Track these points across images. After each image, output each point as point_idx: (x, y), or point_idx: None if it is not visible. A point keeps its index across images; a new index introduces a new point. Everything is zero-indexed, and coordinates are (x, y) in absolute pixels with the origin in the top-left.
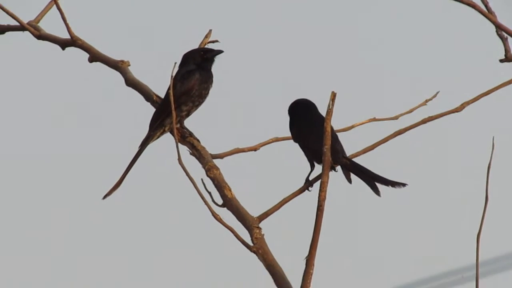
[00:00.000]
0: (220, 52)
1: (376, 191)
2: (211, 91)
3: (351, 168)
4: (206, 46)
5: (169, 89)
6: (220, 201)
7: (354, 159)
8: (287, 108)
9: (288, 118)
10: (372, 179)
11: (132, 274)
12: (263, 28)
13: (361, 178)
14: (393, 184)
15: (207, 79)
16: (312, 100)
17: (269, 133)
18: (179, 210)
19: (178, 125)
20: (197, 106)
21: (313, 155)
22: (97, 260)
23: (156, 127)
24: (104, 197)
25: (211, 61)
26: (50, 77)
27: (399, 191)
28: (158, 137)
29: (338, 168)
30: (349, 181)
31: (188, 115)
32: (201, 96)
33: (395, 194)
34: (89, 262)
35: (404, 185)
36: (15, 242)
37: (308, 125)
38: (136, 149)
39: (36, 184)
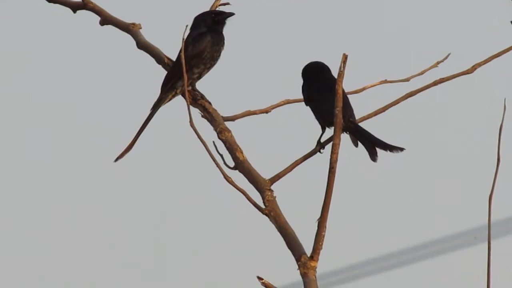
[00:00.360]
0: (231, 14)
1: (373, 157)
2: (222, 53)
3: (354, 131)
4: (217, 9)
5: (180, 51)
6: (231, 163)
7: (366, 121)
8: (301, 71)
9: (301, 81)
10: (371, 143)
11: (144, 236)
12: None
13: (361, 142)
14: (391, 148)
15: (219, 42)
16: (324, 62)
17: (281, 95)
18: (191, 173)
19: (190, 88)
20: (208, 69)
21: (324, 117)
22: (109, 222)
23: (168, 89)
24: (116, 159)
25: (222, 23)
26: (62, 41)
27: (412, 154)
28: (170, 99)
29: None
30: (355, 144)
31: (199, 77)
32: (213, 58)
33: (407, 156)
34: (101, 223)
35: (401, 149)
36: (32, 211)
37: (319, 87)
38: (148, 112)
39: (52, 141)
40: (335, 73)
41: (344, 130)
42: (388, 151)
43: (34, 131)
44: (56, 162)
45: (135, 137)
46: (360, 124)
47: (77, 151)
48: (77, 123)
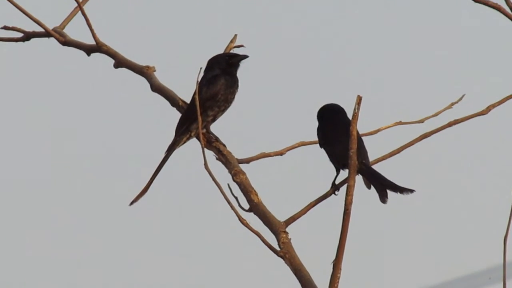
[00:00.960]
0: (245, 57)
1: (383, 199)
2: (236, 95)
3: (366, 173)
4: (231, 51)
5: (194, 94)
6: (246, 206)
7: (381, 162)
8: (315, 113)
9: (316, 123)
10: (382, 186)
11: (159, 278)
12: (290, 32)
13: (372, 184)
14: (401, 190)
15: (233, 84)
16: (339, 104)
17: (296, 138)
18: (206, 216)
19: (204, 130)
20: (223, 111)
21: (338, 159)
22: (126, 265)
23: (182, 132)
24: (131, 203)
25: (236, 66)
26: (76, 84)
27: (429, 194)
28: (184, 142)
29: None
30: (368, 187)
31: (214, 120)
32: (227, 101)
33: (422, 197)
34: (118, 268)
35: (411, 191)
36: (38, 242)
37: (334, 130)
38: (163, 155)
39: (64, 186)
40: (350, 115)
41: (357, 172)
42: (399, 193)
43: (47, 171)
44: (72, 205)
45: (150, 180)
46: (375, 165)
47: (93, 194)
48: (92, 165)
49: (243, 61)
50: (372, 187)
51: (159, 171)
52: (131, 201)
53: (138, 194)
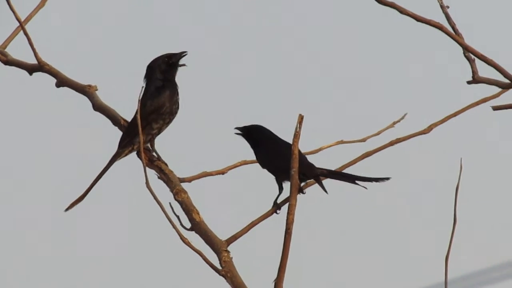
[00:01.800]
0: (184, 53)
1: (362, 186)
2: (180, 102)
3: (331, 175)
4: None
5: (136, 112)
6: (188, 224)
7: (323, 181)
8: (243, 132)
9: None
10: (354, 179)
11: None
12: (232, 43)
13: (344, 181)
14: (376, 179)
15: (175, 93)
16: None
17: (237, 156)
18: (147, 234)
19: (148, 146)
20: (167, 124)
21: (283, 176)
22: (59, 279)
23: (125, 145)
24: (66, 209)
25: (176, 67)
26: (18, 103)
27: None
28: (126, 154)
29: (306, 190)
30: (325, 191)
31: (159, 133)
32: (172, 112)
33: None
34: (51, 281)
35: (387, 179)
36: None
37: (274, 148)
38: (103, 165)
39: (8, 197)
40: (290, 133)
41: (317, 178)
42: (374, 182)
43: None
44: (10, 211)
45: (88, 188)
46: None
47: (30, 205)
48: (34, 180)
49: (181, 60)
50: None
51: (98, 179)
52: (66, 207)
53: (74, 200)
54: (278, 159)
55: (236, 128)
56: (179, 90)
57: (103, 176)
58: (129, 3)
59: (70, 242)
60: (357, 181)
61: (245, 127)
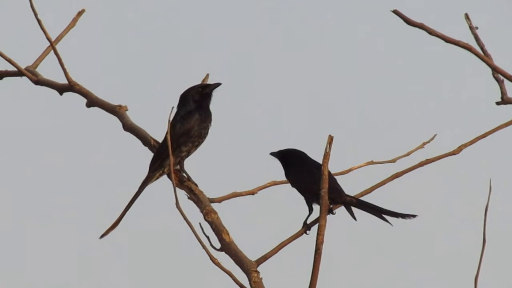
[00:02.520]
0: (218, 85)
1: (387, 221)
2: (210, 130)
3: (358, 205)
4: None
5: (166, 133)
6: (218, 245)
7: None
8: (278, 156)
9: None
10: (381, 213)
11: None
12: (263, 68)
13: (371, 213)
14: (403, 216)
15: (206, 118)
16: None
17: (267, 177)
18: (177, 255)
19: (178, 167)
20: (196, 146)
21: (313, 198)
22: None
23: (155, 168)
24: (101, 236)
25: (209, 96)
26: (48, 123)
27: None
28: (157, 178)
29: (336, 211)
30: (354, 218)
31: (188, 155)
32: (201, 136)
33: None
34: None
35: (414, 216)
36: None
37: (306, 170)
38: (135, 190)
39: (40, 221)
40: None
41: (346, 204)
42: (400, 218)
43: (19, 209)
44: (42, 238)
45: (121, 214)
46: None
47: (65, 228)
48: (65, 202)
49: (215, 90)
50: (365, 216)
51: (130, 205)
52: (101, 234)
53: (109, 227)
54: (309, 180)
55: (271, 153)
56: (213, 117)
57: (135, 201)
58: (161, 24)
59: (100, 265)
60: (384, 216)
61: (281, 151)
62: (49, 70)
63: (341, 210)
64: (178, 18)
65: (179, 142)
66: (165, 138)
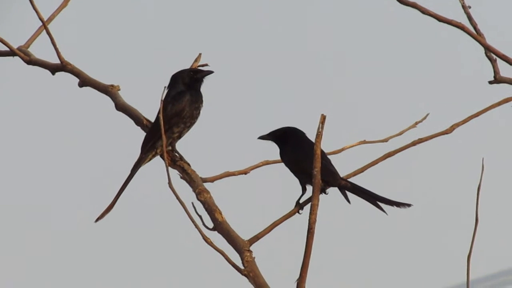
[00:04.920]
0: (209, 72)
1: (382, 210)
2: (202, 111)
3: (353, 190)
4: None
5: (159, 112)
6: (211, 224)
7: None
8: (273, 136)
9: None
10: (375, 199)
11: None
12: (256, 48)
13: (364, 199)
14: (398, 204)
15: (198, 99)
16: (301, 124)
17: (260, 156)
18: (170, 234)
19: (170, 148)
20: (188, 127)
21: (306, 178)
22: (87, 284)
23: (148, 149)
24: (97, 220)
25: (200, 81)
26: (41, 103)
27: (392, 212)
28: (150, 159)
29: (328, 190)
30: (348, 201)
31: (180, 136)
32: (192, 117)
33: (384, 216)
34: (80, 283)
35: (408, 205)
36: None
37: (300, 149)
38: (128, 172)
39: (32, 202)
40: (311, 134)
41: (341, 188)
42: (395, 207)
43: (13, 188)
44: (35, 219)
45: (115, 197)
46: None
47: (60, 212)
48: (57, 186)
49: (207, 77)
50: (356, 200)
51: (124, 188)
52: (96, 217)
53: (104, 211)
54: (302, 159)
55: (260, 137)
56: (204, 99)
57: (129, 183)
58: (156, 3)
59: (96, 244)
60: (378, 203)
61: (279, 129)
62: (42, 50)
63: (334, 190)
64: None
65: (171, 123)
66: (157, 118)
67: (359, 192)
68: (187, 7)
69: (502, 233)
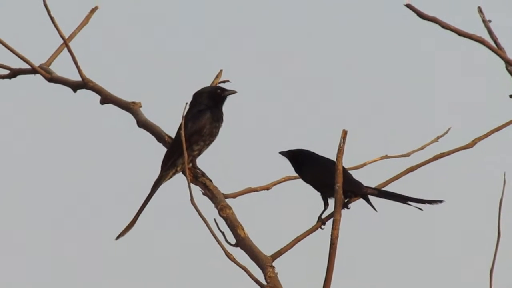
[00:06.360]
0: (233, 92)
1: (416, 207)
2: (221, 130)
3: (381, 195)
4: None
5: (180, 129)
6: (233, 240)
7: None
8: (288, 156)
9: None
10: (406, 200)
11: None
12: (276, 67)
13: (395, 201)
14: (430, 202)
15: (218, 118)
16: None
17: (281, 172)
18: (192, 250)
19: (190, 165)
20: (208, 145)
21: (329, 192)
22: None
23: (168, 167)
24: (118, 237)
25: (222, 100)
26: (62, 120)
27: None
28: (171, 177)
29: (351, 205)
30: (375, 209)
31: (199, 154)
32: (212, 135)
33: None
34: None
35: (440, 201)
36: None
37: (321, 165)
38: (149, 190)
39: (54, 222)
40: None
41: (367, 196)
42: (428, 204)
43: (34, 203)
44: (57, 238)
45: (136, 215)
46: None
47: (79, 229)
48: (79, 201)
49: (229, 96)
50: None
51: (145, 205)
52: (117, 235)
53: (125, 228)
54: (323, 175)
55: (280, 152)
56: (224, 117)
57: (150, 201)
58: (176, 20)
59: (117, 262)
60: (409, 202)
61: (290, 150)
62: (63, 67)
63: (356, 205)
64: (194, 13)
65: (191, 140)
66: (177, 135)
67: (388, 195)
68: (209, 25)
69: None
